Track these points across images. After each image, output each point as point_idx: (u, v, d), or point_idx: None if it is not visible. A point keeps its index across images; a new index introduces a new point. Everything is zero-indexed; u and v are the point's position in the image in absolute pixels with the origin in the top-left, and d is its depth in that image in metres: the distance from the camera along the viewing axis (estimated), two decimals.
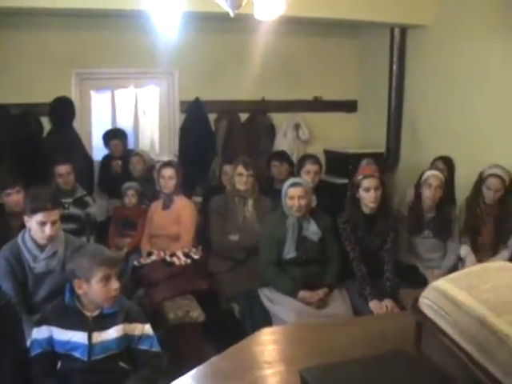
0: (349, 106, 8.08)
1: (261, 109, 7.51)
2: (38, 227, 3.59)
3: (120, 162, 6.62)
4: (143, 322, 3.09)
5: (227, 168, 5.81)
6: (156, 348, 3.07)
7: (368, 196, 4.58)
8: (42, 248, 3.66)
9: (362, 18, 6.22)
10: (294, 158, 6.89)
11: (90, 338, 2.94)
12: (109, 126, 7.25)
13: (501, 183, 4.93)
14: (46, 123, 6.61)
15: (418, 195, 5.10)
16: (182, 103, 7.37)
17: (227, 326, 4.46)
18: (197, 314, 4.39)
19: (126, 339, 3.02)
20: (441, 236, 5.06)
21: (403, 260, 4.97)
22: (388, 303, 4.38)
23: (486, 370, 1.39)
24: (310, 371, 1.51)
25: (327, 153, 7.62)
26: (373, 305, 4.39)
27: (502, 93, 5.43)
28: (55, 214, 3.64)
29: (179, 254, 5.01)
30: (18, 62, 6.50)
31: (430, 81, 6.49)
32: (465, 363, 1.45)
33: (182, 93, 7.34)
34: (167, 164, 5.45)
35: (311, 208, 4.73)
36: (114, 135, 6.86)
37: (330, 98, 7.90)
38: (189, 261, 4.99)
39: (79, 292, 2.97)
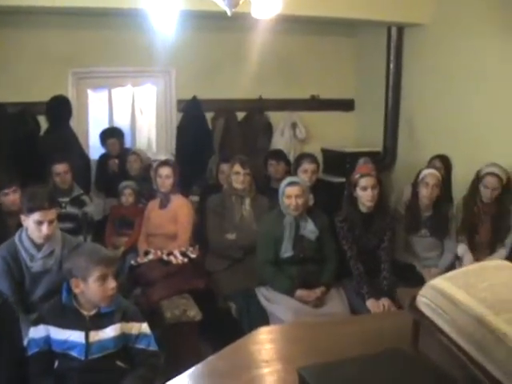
0: (346, 105, 8.09)
1: (258, 107, 7.52)
2: (35, 226, 3.58)
3: (117, 161, 6.61)
4: (140, 321, 3.09)
5: (224, 167, 5.80)
6: (153, 347, 3.07)
7: (365, 195, 4.59)
8: (38, 247, 3.65)
9: (359, 17, 6.22)
10: (291, 157, 6.90)
11: (87, 337, 2.94)
12: (106, 125, 7.24)
13: (498, 182, 4.94)
14: (43, 122, 6.60)
15: (414, 194, 5.11)
16: (179, 102, 7.37)
17: (224, 325, 4.46)
18: (194, 313, 4.39)
19: (123, 338, 3.02)
20: (438, 235, 5.07)
21: (400, 259, 4.98)
22: (385, 302, 4.39)
23: (484, 369, 1.39)
24: (308, 370, 1.51)
25: (324, 152, 7.62)
26: (370, 304, 4.40)
27: (499, 91, 5.43)
28: (52, 214, 3.63)
29: (176, 253, 5.00)
30: (15, 61, 6.49)
31: (427, 79, 6.50)
32: (462, 362, 1.45)
33: (179, 91, 7.34)
34: (164, 163, 5.44)
35: (308, 207, 4.74)
36: (111, 134, 6.85)
37: (327, 96, 7.90)
38: (186, 260, 4.98)
39: (76, 291, 2.97)
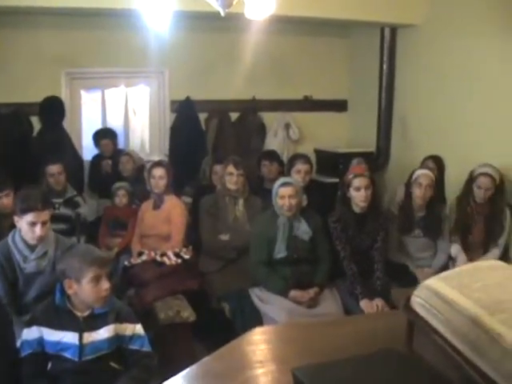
0: (339, 106, 8.09)
1: (251, 108, 7.51)
2: (28, 227, 3.58)
3: (110, 162, 6.60)
4: (134, 322, 3.09)
5: (218, 167, 5.80)
6: (147, 348, 3.07)
7: (358, 195, 4.59)
8: (32, 248, 3.65)
9: (352, 18, 6.23)
10: (285, 158, 6.89)
11: (80, 338, 2.94)
12: (99, 126, 7.22)
13: (491, 182, 4.95)
14: (36, 123, 6.58)
15: (408, 194, 5.11)
16: (173, 102, 7.35)
17: (218, 326, 4.47)
18: (187, 313, 4.39)
19: (117, 339, 3.02)
20: (431, 235, 5.08)
21: (393, 259, 4.98)
22: (378, 302, 4.39)
23: (479, 369, 1.39)
24: (303, 370, 1.51)
25: (317, 152, 7.62)
26: (363, 304, 4.40)
27: (492, 92, 5.44)
28: (45, 215, 3.63)
29: (170, 253, 5.00)
30: (8, 62, 6.46)
31: (420, 80, 6.51)
32: (457, 362, 1.46)
33: (173, 92, 7.33)
34: (158, 164, 5.44)
35: (302, 207, 4.74)
36: (104, 135, 6.84)
37: (320, 97, 7.91)
38: (179, 261, 4.98)
39: (70, 292, 2.96)
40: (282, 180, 4.71)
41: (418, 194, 4.97)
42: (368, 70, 7.29)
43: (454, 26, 5.88)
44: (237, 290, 4.64)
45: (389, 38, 6.82)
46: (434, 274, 4.24)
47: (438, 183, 5.35)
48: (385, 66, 6.91)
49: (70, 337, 2.93)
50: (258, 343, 2.07)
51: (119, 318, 3.03)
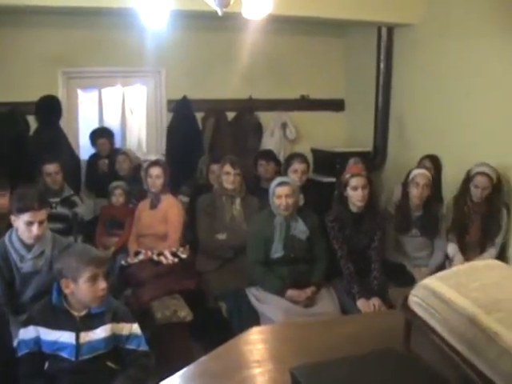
0: (336, 105, 8.08)
1: (248, 107, 7.50)
2: (25, 227, 3.57)
3: (107, 161, 6.59)
4: (131, 321, 3.08)
5: (214, 167, 5.80)
6: (144, 347, 3.06)
7: (355, 195, 4.59)
8: (29, 248, 3.64)
9: (349, 17, 6.22)
10: (281, 157, 6.90)
11: (77, 337, 2.93)
12: (96, 125, 7.20)
13: (488, 181, 4.95)
14: (33, 122, 6.56)
15: (405, 194, 5.11)
16: (170, 102, 7.35)
17: (215, 326, 4.47)
18: (184, 313, 4.38)
19: (114, 339, 3.01)
20: (428, 234, 5.08)
21: (391, 258, 4.99)
22: (375, 302, 4.40)
23: (476, 368, 1.40)
24: (301, 369, 1.51)
25: (314, 152, 7.61)
26: (360, 303, 4.41)
27: (489, 91, 5.44)
28: (42, 214, 3.62)
29: (167, 253, 4.99)
30: (4, 61, 6.45)
31: (417, 80, 6.51)
32: (454, 361, 1.46)
33: (170, 91, 7.32)
34: (155, 163, 5.44)
35: (299, 207, 4.74)
36: (101, 134, 6.83)
37: (317, 96, 7.90)
38: (176, 260, 4.98)
39: (66, 292, 2.96)
40: (278, 179, 4.70)
41: (414, 193, 4.98)
42: (365, 69, 7.29)
43: (450, 25, 5.88)
44: (234, 290, 4.64)
45: (386, 38, 6.82)
46: (431, 273, 4.25)
47: (435, 183, 5.36)
48: (382, 66, 6.91)
49: (66, 336, 2.93)
50: (255, 343, 2.07)
51: (116, 318, 3.03)
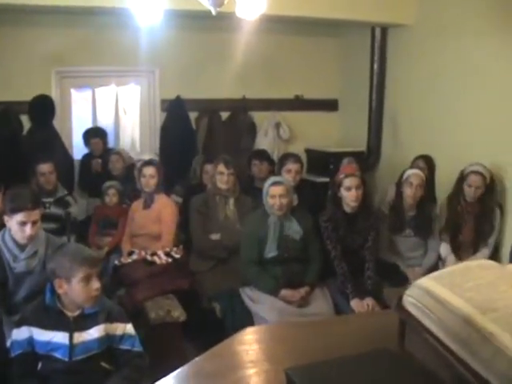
0: (330, 105, 8.09)
1: (242, 107, 7.50)
2: (18, 227, 3.55)
3: (100, 161, 6.58)
4: (125, 321, 3.08)
5: (208, 167, 5.80)
6: (138, 348, 3.06)
7: (349, 195, 4.60)
8: (22, 248, 3.63)
9: (343, 17, 6.22)
10: (275, 157, 6.90)
11: (70, 338, 2.93)
12: (89, 125, 7.20)
13: (481, 180, 4.97)
14: (26, 121, 6.54)
15: (398, 194, 5.13)
16: (163, 102, 7.34)
17: (209, 326, 4.46)
18: (178, 313, 4.38)
19: (108, 339, 3.01)
20: (421, 234, 5.09)
21: (384, 258, 5.00)
22: (369, 301, 4.41)
23: (471, 368, 1.39)
24: (296, 370, 1.50)
25: (308, 151, 7.62)
26: (354, 303, 4.42)
27: (483, 91, 5.45)
28: (36, 214, 3.60)
29: (160, 253, 4.99)
30: None
31: (410, 80, 6.52)
32: (449, 361, 1.46)
33: (163, 91, 7.31)
34: (148, 163, 5.43)
35: (293, 207, 4.74)
36: (95, 134, 6.82)
37: (311, 96, 7.91)
38: (170, 260, 4.98)
39: (60, 292, 2.95)
40: (272, 179, 4.71)
41: (408, 193, 4.99)
42: (359, 69, 7.30)
43: (444, 25, 5.89)
44: (227, 290, 4.64)
45: (379, 38, 6.83)
46: (425, 273, 4.27)
47: (429, 183, 5.38)
48: (375, 66, 6.92)
49: (60, 337, 2.92)
50: (250, 343, 2.06)
51: (110, 318, 3.02)
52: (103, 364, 3.00)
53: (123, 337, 3.03)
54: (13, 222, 3.56)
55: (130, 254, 5.06)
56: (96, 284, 2.95)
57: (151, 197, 5.32)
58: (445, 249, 5.08)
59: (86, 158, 6.79)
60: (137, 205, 5.42)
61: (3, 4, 5.20)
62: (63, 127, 6.93)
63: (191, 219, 5.23)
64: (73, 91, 7.25)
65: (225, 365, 1.85)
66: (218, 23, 5.96)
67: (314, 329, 2.27)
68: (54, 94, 6.82)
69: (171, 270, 4.91)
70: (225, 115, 7.51)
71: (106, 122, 7.41)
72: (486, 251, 5.06)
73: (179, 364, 1.84)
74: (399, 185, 5.16)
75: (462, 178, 5.10)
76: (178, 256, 5.05)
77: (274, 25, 6.85)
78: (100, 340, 2.97)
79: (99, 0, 5.33)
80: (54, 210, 5.45)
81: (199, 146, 7.31)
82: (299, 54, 7.66)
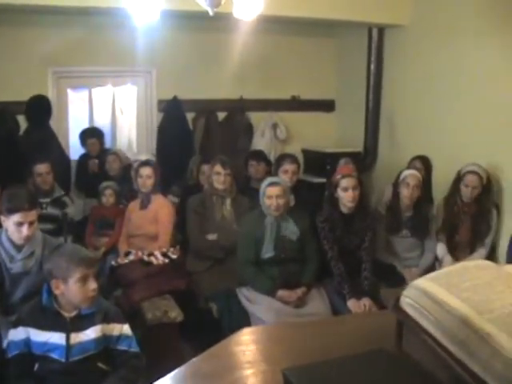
0: (327, 106, 8.09)
1: (239, 108, 7.50)
2: (15, 228, 3.55)
3: (97, 161, 6.57)
4: (122, 322, 3.08)
5: (205, 167, 5.80)
6: (135, 348, 3.06)
7: (346, 195, 4.60)
8: (19, 248, 3.62)
9: (339, 18, 6.23)
10: (272, 158, 6.90)
11: (67, 338, 2.92)
12: (86, 125, 7.18)
13: (478, 180, 4.97)
14: (22, 121, 6.53)
15: (395, 194, 5.13)
16: (160, 102, 7.33)
17: (205, 326, 4.46)
18: (175, 313, 4.38)
19: (105, 340, 3.01)
20: (418, 235, 5.10)
21: (381, 259, 5.00)
22: (366, 302, 4.40)
23: (468, 369, 1.40)
24: (293, 370, 1.51)
25: (305, 152, 7.62)
26: (351, 304, 4.42)
27: (479, 92, 5.46)
28: (33, 215, 3.60)
29: (157, 253, 4.99)
30: None
31: (407, 80, 6.53)
32: (446, 362, 1.46)
33: (160, 91, 7.30)
34: (145, 163, 5.43)
35: (289, 207, 4.74)
36: (91, 134, 6.81)
37: (307, 97, 7.91)
38: (167, 260, 4.98)
39: (57, 292, 2.94)
40: (269, 180, 4.71)
41: (405, 194, 4.99)
42: (355, 70, 7.30)
43: (441, 26, 5.90)
44: (224, 290, 4.64)
45: (376, 39, 6.83)
46: (421, 273, 4.27)
47: (425, 183, 5.38)
48: (372, 66, 6.92)
49: (56, 337, 2.92)
50: (247, 343, 2.06)
51: (106, 319, 3.02)
52: (100, 365, 3.00)
53: (120, 337, 3.03)
54: (9, 222, 3.55)
55: (127, 254, 5.06)
56: (93, 284, 2.94)
57: (148, 197, 5.32)
58: (441, 249, 5.08)
59: (83, 159, 6.78)
60: (133, 205, 5.41)
61: (1, 4, 5.19)
62: (60, 127, 6.92)
63: (188, 219, 5.22)
64: (69, 91, 7.24)
65: (222, 365, 1.85)
66: (215, 24, 5.96)
67: (311, 329, 2.27)
68: (51, 94, 6.80)
69: (168, 270, 4.91)
70: (222, 116, 7.51)
71: (102, 122, 7.40)
72: (482, 251, 5.07)
73: (176, 365, 1.84)
74: (396, 185, 5.16)
75: (458, 178, 5.11)
76: (174, 256, 5.05)
77: (271, 25, 6.85)
78: (97, 341, 2.97)
79: (97, 0, 5.32)
80: (51, 210, 5.44)
81: (196, 146, 7.31)
82: (296, 55, 7.66)
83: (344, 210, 4.68)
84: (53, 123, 6.66)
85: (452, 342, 1.47)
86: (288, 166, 5.55)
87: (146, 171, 5.28)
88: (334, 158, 6.50)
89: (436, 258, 5.11)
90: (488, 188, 5.08)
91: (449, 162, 5.54)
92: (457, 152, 5.59)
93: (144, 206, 5.33)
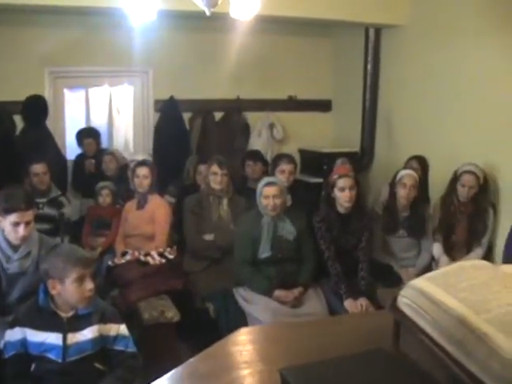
0: (323, 106, 8.10)
1: (235, 108, 7.50)
2: (11, 228, 3.54)
3: (93, 161, 6.57)
4: (118, 322, 3.07)
5: (202, 167, 5.80)
6: (131, 348, 3.06)
7: (343, 195, 4.60)
8: (15, 248, 3.61)
9: (336, 18, 6.23)
10: (269, 158, 6.90)
11: (64, 339, 2.92)
12: (82, 125, 7.19)
13: (475, 180, 4.98)
14: (19, 121, 6.52)
15: (392, 194, 5.13)
16: (157, 102, 7.34)
17: (202, 326, 4.46)
18: (172, 313, 4.38)
19: (101, 340, 3.00)
20: (415, 235, 5.10)
21: (378, 259, 5.00)
22: (363, 302, 4.40)
23: (465, 369, 1.39)
24: (290, 370, 1.50)
25: (302, 152, 7.63)
26: (347, 304, 4.41)
27: (476, 92, 5.46)
28: (29, 215, 3.59)
29: (154, 253, 4.99)
30: None
31: (404, 80, 6.53)
32: (444, 362, 1.46)
33: (157, 91, 7.31)
34: (142, 163, 5.42)
35: (286, 207, 4.74)
36: (88, 134, 6.81)
37: (304, 97, 7.92)
38: (163, 260, 4.98)
39: (53, 292, 2.94)
40: (266, 180, 4.70)
41: (402, 194, 4.99)
42: (352, 70, 7.30)
43: (437, 26, 5.90)
44: (221, 290, 4.64)
45: (373, 39, 6.83)
46: (418, 273, 4.28)
47: (422, 183, 5.39)
48: (369, 66, 6.92)
49: (53, 338, 2.92)
50: (244, 343, 2.06)
51: (103, 319, 3.02)
52: (97, 365, 2.99)
53: (117, 337, 3.03)
54: (6, 222, 3.54)
55: (124, 254, 5.06)
56: (89, 285, 2.94)
57: (145, 197, 5.31)
58: (438, 249, 5.08)
59: (80, 159, 6.78)
60: (130, 205, 5.41)
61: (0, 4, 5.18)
62: (56, 127, 6.91)
63: (185, 219, 5.22)
64: (66, 91, 7.24)
65: (219, 366, 1.85)
66: (212, 24, 5.96)
67: (308, 329, 2.27)
68: (47, 94, 6.80)
69: (165, 270, 4.91)
70: (218, 116, 7.51)
71: (99, 122, 7.40)
72: (479, 251, 5.07)
73: (173, 365, 1.84)
74: (393, 185, 5.16)
75: (455, 178, 5.11)
76: (171, 256, 5.05)
77: (268, 25, 6.85)
78: (94, 341, 2.97)
79: (93, 0, 5.32)
80: (48, 210, 5.43)
81: (193, 146, 7.31)
82: (293, 55, 7.67)
83: (341, 210, 4.68)
84: (49, 123, 6.66)
85: (449, 341, 1.47)
86: (285, 166, 5.54)
87: (143, 171, 5.27)
88: (331, 157, 6.51)
89: (432, 258, 5.11)
90: (485, 188, 5.09)
91: (445, 161, 5.54)
92: (453, 152, 5.60)
93: (141, 206, 5.32)
